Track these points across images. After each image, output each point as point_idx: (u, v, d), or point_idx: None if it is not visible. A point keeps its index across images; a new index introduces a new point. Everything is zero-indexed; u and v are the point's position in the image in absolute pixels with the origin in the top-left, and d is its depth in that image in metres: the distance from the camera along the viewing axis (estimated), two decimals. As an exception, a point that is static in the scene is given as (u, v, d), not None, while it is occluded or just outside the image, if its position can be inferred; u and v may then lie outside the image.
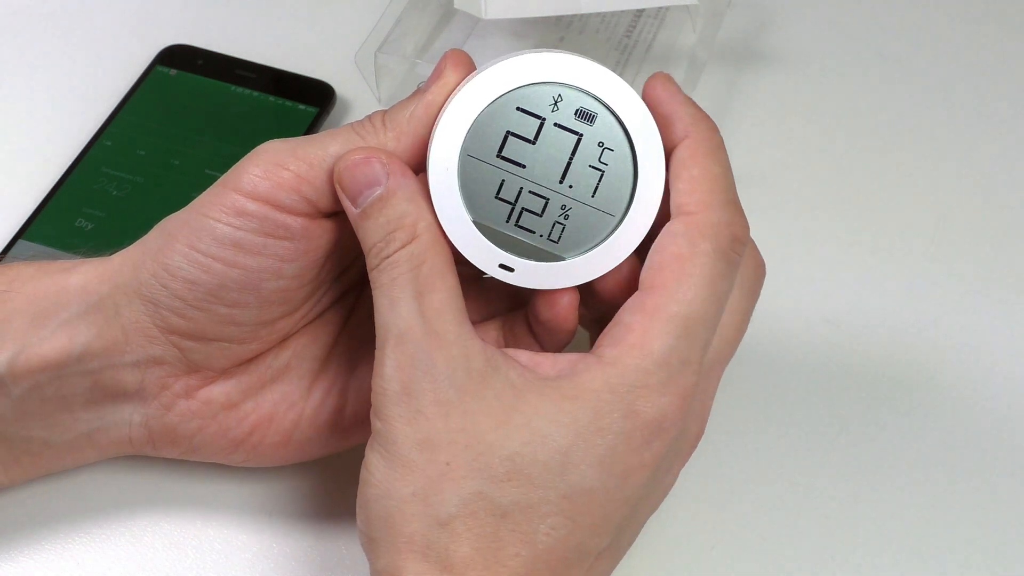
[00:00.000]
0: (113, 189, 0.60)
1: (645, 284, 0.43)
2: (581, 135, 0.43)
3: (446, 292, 0.42)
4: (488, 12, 0.59)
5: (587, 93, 0.43)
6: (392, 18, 0.64)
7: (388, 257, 0.42)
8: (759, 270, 0.46)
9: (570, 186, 0.44)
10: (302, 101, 0.64)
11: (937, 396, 0.55)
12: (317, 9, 0.69)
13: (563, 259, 0.44)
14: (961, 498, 0.52)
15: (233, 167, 0.44)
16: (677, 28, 0.67)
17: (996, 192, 0.62)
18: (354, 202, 0.43)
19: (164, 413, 0.46)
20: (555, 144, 0.43)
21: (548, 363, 0.43)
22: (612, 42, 0.65)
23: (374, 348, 0.43)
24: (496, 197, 0.43)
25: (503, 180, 0.43)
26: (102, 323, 0.45)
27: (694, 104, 0.44)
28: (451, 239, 0.43)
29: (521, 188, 0.43)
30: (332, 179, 0.43)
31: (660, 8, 0.67)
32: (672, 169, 0.44)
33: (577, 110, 0.43)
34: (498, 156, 0.43)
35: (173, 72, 0.65)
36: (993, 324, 0.57)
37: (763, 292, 0.47)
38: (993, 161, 0.64)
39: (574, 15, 0.66)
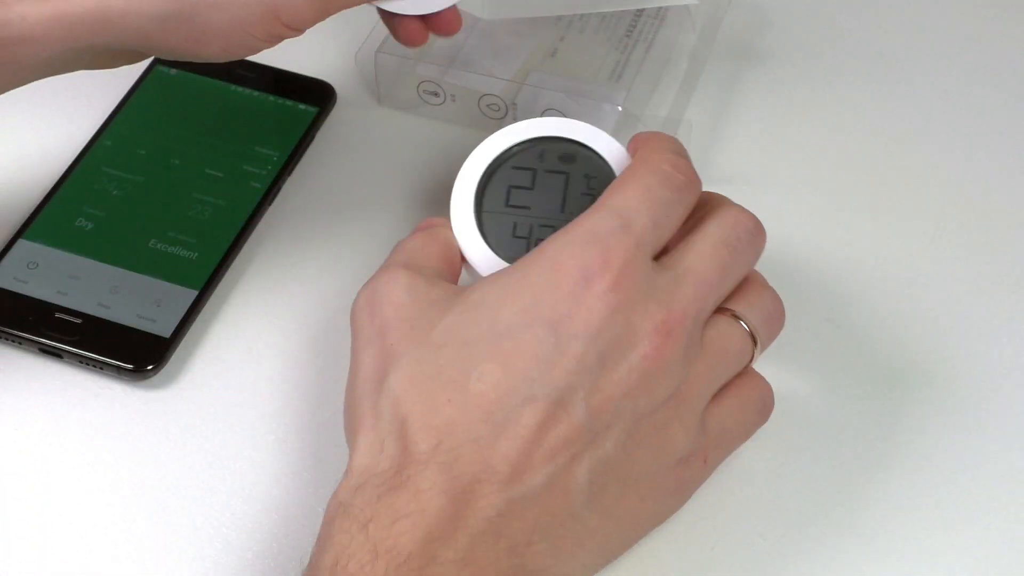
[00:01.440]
0: (113, 189, 0.60)
1: None
2: (568, 173, 0.51)
3: None
4: (488, 12, 0.59)
5: (564, 140, 0.52)
6: (392, 18, 0.64)
7: None
8: (739, 227, 0.49)
9: (571, 213, 0.50)
10: (302, 101, 0.64)
11: (937, 396, 0.55)
12: (317, 9, 0.69)
13: None
14: (962, 498, 0.51)
15: None
16: (677, 27, 0.67)
17: (996, 192, 0.62)
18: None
19: None
20: (550, 186, 0.51)
21: None
22: (612, 41, 0.65)
23: None
24: (513, 236, 0.51)
25: (515, 223, 0.51)
26: None
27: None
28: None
29: (531, 224, 0.51)
30: None
31: (660, 7, 0.67)
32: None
33: (559, 155, 0.52)
34: (506, 206, 0.51)
35: (173, 72, 0.65)
36: (994, 324, 0.57)
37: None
38: (993, 161, 0.64)
39: (574, 15, 0.66)
